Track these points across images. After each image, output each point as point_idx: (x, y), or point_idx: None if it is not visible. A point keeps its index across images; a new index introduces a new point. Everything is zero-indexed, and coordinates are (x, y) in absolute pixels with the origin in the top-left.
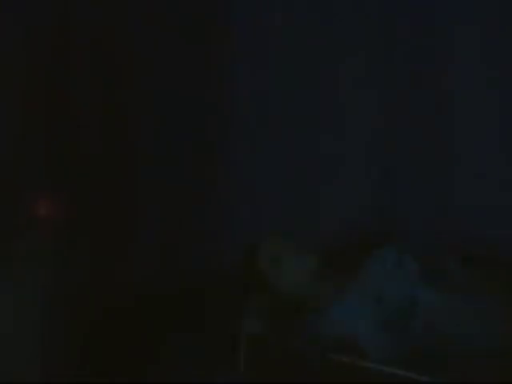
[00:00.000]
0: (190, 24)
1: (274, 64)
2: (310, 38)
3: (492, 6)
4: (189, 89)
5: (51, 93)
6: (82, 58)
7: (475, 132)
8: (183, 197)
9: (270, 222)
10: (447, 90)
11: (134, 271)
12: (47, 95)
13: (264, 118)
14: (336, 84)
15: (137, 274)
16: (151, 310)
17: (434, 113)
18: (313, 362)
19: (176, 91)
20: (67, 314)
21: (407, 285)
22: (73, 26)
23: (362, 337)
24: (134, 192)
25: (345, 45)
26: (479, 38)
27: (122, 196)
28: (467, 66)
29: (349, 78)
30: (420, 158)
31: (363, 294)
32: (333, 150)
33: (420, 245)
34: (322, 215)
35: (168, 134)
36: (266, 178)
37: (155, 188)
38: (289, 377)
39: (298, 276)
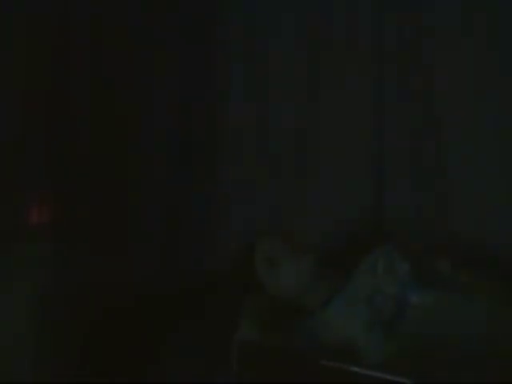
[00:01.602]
0: (190, 24)
1: (272, 64)
2: (310, 39)
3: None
4: (189, 89)
5: (51, 93)
6: (82, 58)
7: (473, 134)
8: (183, 197)
9: (267, 222)
10: (446, 93)
11: (134, 271)
12: (47, 95)
13: (264, 117)
14: (335, 84)
15: (137, 274)
16: (151, 310)
17: (433, 115)
18: (307, 362)
19: (176, 91)
20: (67, 314)
21: (398, 288)
22: (73, 26)
23: (353, 340)
24: (134, 192)
25: (343, 45)
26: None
27: (122, 196)
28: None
29: (348, 78)
30: (417, 160)
31: (355, 296)
32: (330, 151)
33: (413, 247)
34: (317, 216)
35: (168, 134)
36: (265, 179)
37: (155, 188)
38: (283, 377)
39: (294, 276)
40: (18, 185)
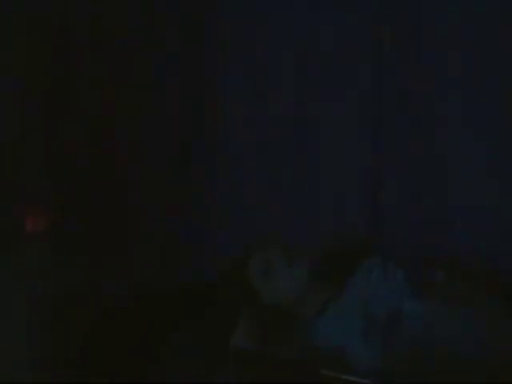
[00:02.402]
0: (190, 24)
1: (270, 66)
2: (310, 42)
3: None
4: (188, 89)
5: (51, 93)
6: (82, 58)
7: (464, 146)
8: (183, 197)
9: (267, 224)
10: (441, 105)
11: (134, 271)
12: (47, 95)
13: (264, 116)
14: (333, 90)
15: (137, 274)
16: (151, 310)
17: (424, 126)
18: (303, 370)
19: (176, 91)
20: (67, 313)
21: (393, 296)
22: (73, 26)
23: (348, 349)
24: (134, 192)
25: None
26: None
27: (122, 196)
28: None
29: (343, 88)
30: (408, 171)
31: (351, 303)
32: (324, 160)
33: (407, 256)
34: (316, 223)
35: (168, 134)
36: (265, 179)
37: (155, 188)
38: None
39: (291, 284)
40: (18, 185)
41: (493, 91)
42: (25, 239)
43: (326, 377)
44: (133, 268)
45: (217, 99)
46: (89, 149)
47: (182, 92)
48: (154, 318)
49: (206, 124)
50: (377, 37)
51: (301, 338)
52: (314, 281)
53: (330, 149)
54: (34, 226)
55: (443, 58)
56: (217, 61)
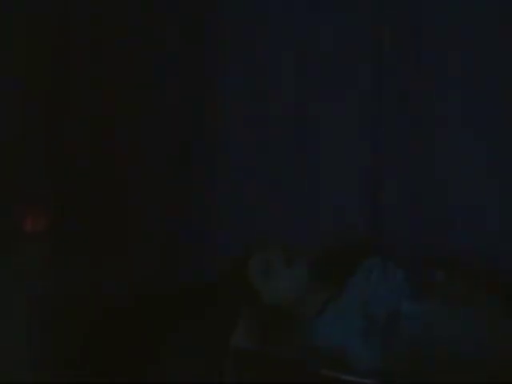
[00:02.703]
0: (190, 24)
1: (270, 66)
2: (310, 42)
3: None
4: (188, 89)
5: (51, 93)
6: (82, 58)
7: (464, 146)
8: (183, 197)
9: (267, 224)
10: (441, 105)
11: (134, 271)
12: (47, 95)
13: (264, 116)
14: (333, 90)
15: (137, 274)
16: (151, 310)
17: (424, 126)
18: (303, 370)
19: (176, 91)
20: (67, 313)
21: (393, 296)
22: (73, 26)
23: (348, 349)
24: (134, 192)
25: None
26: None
27: (122, 196)
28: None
29: (343, 88)
30: (408, 171)
31: (350, 303)
32: (324, 160)
33: (407, 256)
34: (310, 226)
35: (169, 134)
36: (265, 179)
37: (155, 188)
38: None
39: (291, 284)
40: (18, 185)
41: (493, 91)
42: (25, 239)
43: (325, 377)
44: (133, 268)
45: (217, 99)
46: (89, 149)
47: (182, 92)
48: (154, 318)
49: (206, 124)
50: (377, 37)
51: (301, 337)
52: (313, 281)
53: (330, 149)
54: (33, 226)
55: (443, 58)
56: (217, 61)
